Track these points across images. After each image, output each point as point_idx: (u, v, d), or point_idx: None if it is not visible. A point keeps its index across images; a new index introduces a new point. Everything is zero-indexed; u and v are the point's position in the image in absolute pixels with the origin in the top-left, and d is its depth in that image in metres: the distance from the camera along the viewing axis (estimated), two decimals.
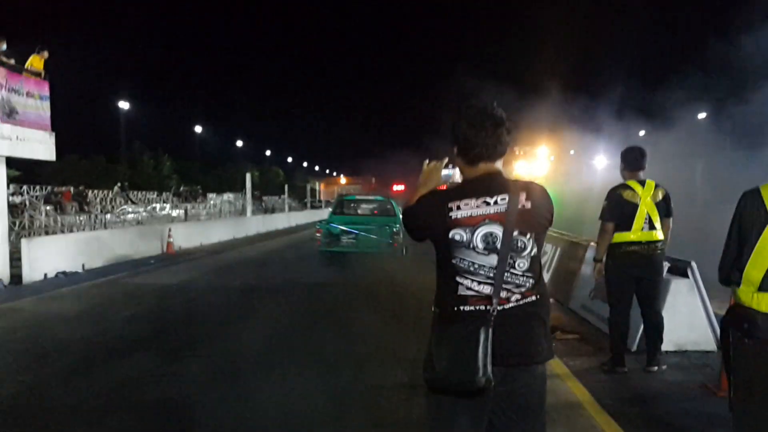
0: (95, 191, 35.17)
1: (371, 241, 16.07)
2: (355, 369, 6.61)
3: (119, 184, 40.14)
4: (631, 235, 6.00)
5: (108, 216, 30.11)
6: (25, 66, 15.11)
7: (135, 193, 41.90)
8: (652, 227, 6.00)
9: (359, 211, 19.78)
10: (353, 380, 6.22)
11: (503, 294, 2.58)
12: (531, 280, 2.63)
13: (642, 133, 40.12)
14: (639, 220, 5.98)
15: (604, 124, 34.09)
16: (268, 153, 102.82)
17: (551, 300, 9.45)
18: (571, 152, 52.11)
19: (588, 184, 26.69)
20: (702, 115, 42.87)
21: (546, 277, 11.05)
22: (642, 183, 6.07)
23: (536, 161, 24.29)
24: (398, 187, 61.43)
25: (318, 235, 16.99)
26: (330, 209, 19.87)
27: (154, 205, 38.55)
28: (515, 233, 2.60)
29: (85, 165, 49.82)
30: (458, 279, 2.62)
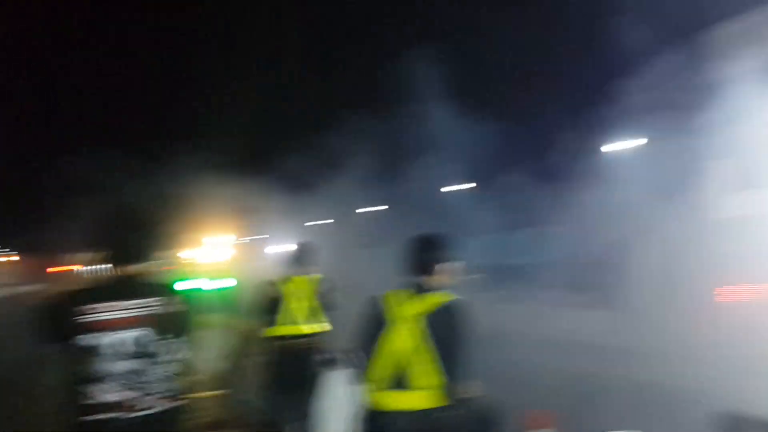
0: None
1: None
2: None
3: None
4: (279, 330, 6.24)
5: None
6: None
7: None
8: (299, 321, 6.27)
9: None
10: None
11: (137, 402, 2.48)
12: (167, 384, 2.57)
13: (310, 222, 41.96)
14: (285, 315, 6.22)
15: (286, 208, 35.17)
16: None
17: (224, 391, 9.44)
18: (261, 237, 52.84)
19: (269, 269, 27.13)
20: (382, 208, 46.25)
21: (220, 366, 10.90)
22: (292, 278, 6.34)
23: (220, 247, 24.32)
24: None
25: None
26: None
27: None
28: (153, 338, 2.54)
29: None
30: (88, 387, 2.47)
